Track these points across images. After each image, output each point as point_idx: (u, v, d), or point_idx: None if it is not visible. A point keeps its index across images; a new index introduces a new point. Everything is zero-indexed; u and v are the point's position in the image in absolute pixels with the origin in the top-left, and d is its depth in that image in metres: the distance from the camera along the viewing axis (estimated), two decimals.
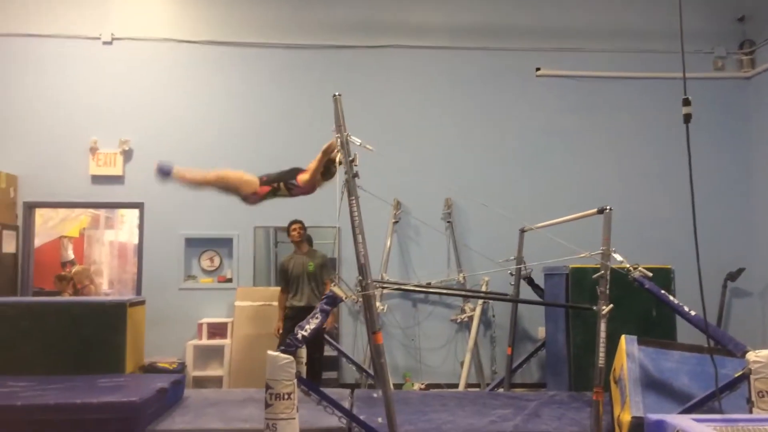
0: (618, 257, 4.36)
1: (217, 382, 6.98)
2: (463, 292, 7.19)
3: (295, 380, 3.60)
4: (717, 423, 2.25)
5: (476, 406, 4.83)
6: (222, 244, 7.46)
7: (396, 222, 7.39)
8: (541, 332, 7.04)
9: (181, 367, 6.82)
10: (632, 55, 7.78)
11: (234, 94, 7.54)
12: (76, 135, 7.36)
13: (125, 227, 10.26)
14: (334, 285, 3.92)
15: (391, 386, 3.95)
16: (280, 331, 6.38)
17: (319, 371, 6.28)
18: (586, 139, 7.72)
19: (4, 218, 7.02)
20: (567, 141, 7.69)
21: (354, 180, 3.87)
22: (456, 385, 7.02)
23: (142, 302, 6.09)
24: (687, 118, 3.11)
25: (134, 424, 4.06)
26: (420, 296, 7.45)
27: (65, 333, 5.29)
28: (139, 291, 7.29)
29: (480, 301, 7.25)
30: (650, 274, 4.39)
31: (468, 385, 7.01)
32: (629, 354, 4.21)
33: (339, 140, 3.93)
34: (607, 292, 4.27)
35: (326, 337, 6.52)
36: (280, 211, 6.25)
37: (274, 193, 4.75)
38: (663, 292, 4.36)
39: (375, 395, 4.91)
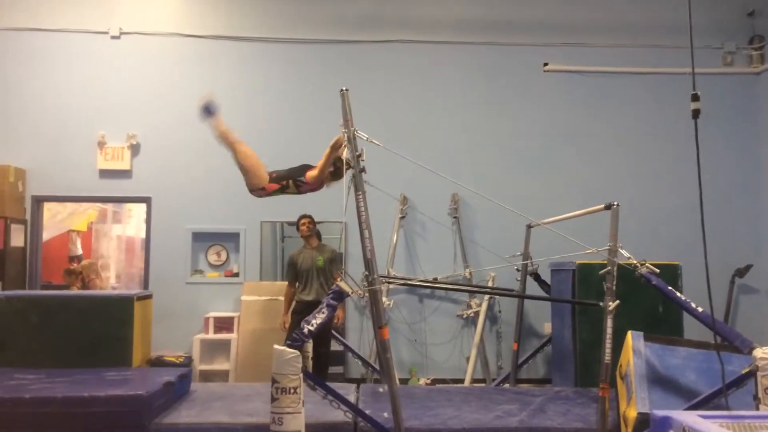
0: (625, 253, 4.35)
1: (223, 376, 7.01)
2: (470, 288, 7.19)
3: (301, 374, 3.61)
4: (723, 419, 2.24)
5: (482, 401, 4.83)
6: (229, 239, 7.48)
7: (402, 217, 7.39)
8: (547, 328, 7.04)
9: (188, 361, 6.84)
10: (641, 50, 7.73)
11: (240, 88, 7.53)
12: (83, 129, 7.38)
13: (132, 221, 10.29)
14: (341, 280, 3.91)
15: (397, 381, 3.96)
16: (286, 325, 6.40)
17: (325, 366, 6.30)
18: (593, 134, 7.69)
19: (13, 212, 7.06)
20: (574, 136, 7.66)
21: (361, 175, 3.87)
22: (461, 381, 7.03)
23: (149, 296, 6.11)
24: (696, 113, 3.09)
25: (141, 417, 4.08)
26: (426, 291, 7.45)
27: (73, 327, 5.31)
28: (146, 285, 7.33)
29: (486, 297, 7.24)
30: (657, 271, 4.36)
31: (473, 381, 7.02)
32: (636, 350, 4.20)
33: (346, 135, 3.92)
34: (614, 288, 4.26)
35: (332, 332, 6.54)
36: (286, 205, 6.26)
37: (282, 191, 4.75)
38: (670, 288, 4.34)
39: (381, 390, 4.91)
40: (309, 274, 6.41)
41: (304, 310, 5.94)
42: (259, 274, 7.42)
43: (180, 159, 7.43)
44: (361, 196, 3.84)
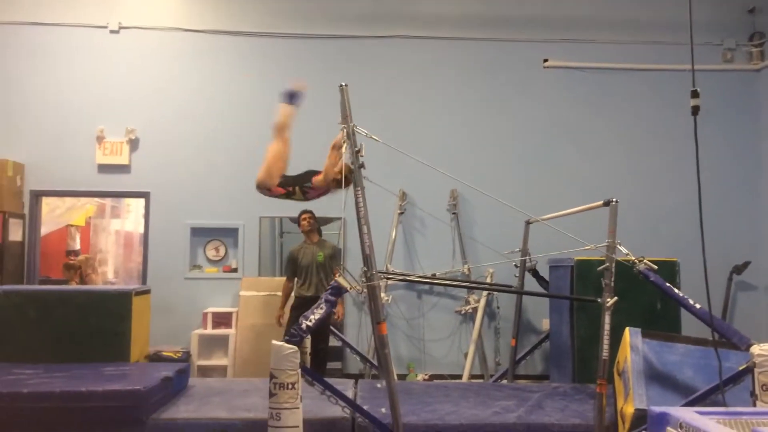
0: (623, 250, 4.35)
1: (221, 371, 7.01)
2: (468, 284, 7.19)
3: (299, 370, 3.61)
4: (720, 416, 2.24)
5: (480, 397, 4.84)
6: (227, 234, 7.48)
7: (401, 213, 7.38)
8: (545, 324, 7.04)
9: (186, 356, 6.84)
10: (641, 46, 7.72)
11: (240, 83, 7.52)
12: (82, 124, 7.37)
13: (131, 216, 10.29)
14: (339, 275, 3.91)
15: (395, 377, 3.96)
16: (282, 320, 6.41)
17: (323, 361, 6.30)
18: (593, 130, 7.68)
19: (11, 207, 7.05)
20: (574, 132, 7.66)
21: (359, 171, 3.86)
22: (459, 376, 7.04)
23: (148, 291, 6.10)
24: (695, 110, 3.09)
25: (139, 412, 4.07)
26: (425, 287, 7.45)
27: (71, 322, 5.29)
28: (144, 280, 7.33)
29: (484, 293, 7.25)
30: (655, 267, 4.36)
31: (471, 377, 7.03)
32: (633, 346, 4.20)
33: (345, 131, 3.91)
34: (612, 284, 4.26)
35: (331, 327, 6.54)
36: (285, 201, 6.21)
37: (288, 196, 4.74)
38: (668, 284, 4.34)
39: (379, 386, 4.91)
40: (309, 269, 6.41)
41: (304, 305, 5.93)
42: (257, 270, 7.42)
43: (179, 154, 7.42)
44: (360, 192, 3.83)
